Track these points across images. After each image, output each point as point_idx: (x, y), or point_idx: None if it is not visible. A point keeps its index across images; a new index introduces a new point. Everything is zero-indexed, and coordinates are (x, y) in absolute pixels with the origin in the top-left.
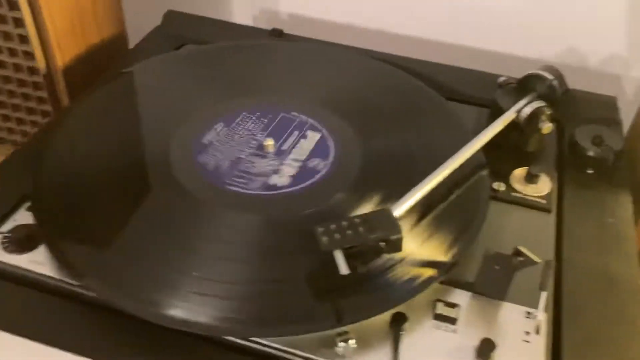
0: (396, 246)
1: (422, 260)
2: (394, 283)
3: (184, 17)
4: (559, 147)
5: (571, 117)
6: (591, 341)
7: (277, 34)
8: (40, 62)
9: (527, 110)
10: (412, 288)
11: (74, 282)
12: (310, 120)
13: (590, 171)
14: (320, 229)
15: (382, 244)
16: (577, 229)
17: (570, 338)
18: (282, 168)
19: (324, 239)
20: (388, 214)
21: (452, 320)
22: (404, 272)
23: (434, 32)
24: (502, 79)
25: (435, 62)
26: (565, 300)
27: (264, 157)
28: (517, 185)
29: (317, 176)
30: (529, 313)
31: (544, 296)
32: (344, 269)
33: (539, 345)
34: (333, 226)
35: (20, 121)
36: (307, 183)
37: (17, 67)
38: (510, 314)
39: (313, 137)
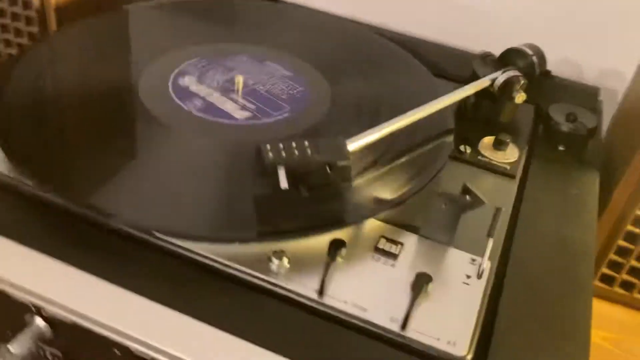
0: (343, 174)
1: (369, 193)
2: (336, 208)
3: None
4: (534, 126)
5: (550, 100)
6: (532, 293)
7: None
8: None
9: (502, 79)
10: (354, 215)
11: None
12: (285, 71)
13: (561, 148)
14: (267, 145)
15: (329, 169)
16: (539, 196)
17: (512, 288)
18: (246, 104)
19: (270, 154)
20: (340, 143)
21: (392, 256)
22: (348, 199)
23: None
24: (482, 51)
25: (421, 38)
26: (514, 253)
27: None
28: (485, 151)
29: (281, 115)
30: (473, 260)
31: (490, 243)
32: (283, 183)
33: (478, 289)
34: (281, 145)
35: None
36: (270, 120)
37: (12, 1)
38: (455, 259)
39: (284, 83)
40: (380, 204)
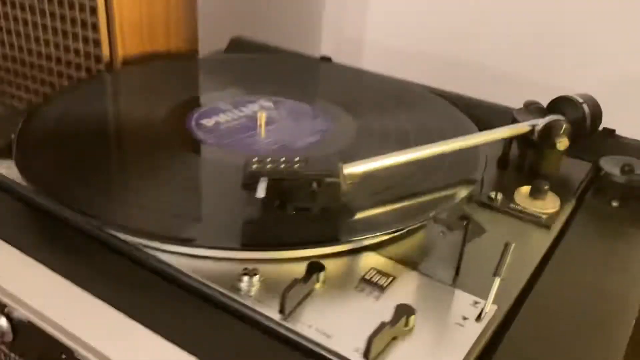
0: (331, 192)
1: (359, 217)
2: (317, 227)
3: (248, 44)
4: (588, 184)
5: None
6: (543, 342)
7: (326, 59)
8: (105, 51)
9: (542, 124)
10: (333, 236)
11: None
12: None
13: (615, 204)
14: (254, 159)
15: (316, 186)
16: (577, 247)
17: (517, 335)
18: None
19: (253, 166)
20: (331, 161)
21: (379, 288)
22: (333, 220)
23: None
24: (528, 101)
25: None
26: (531, 299)
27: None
28: (519, 200)
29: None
30: (476, 302)
31: (496, 283)
32: (260, 193)
33: (472, 332)
34: (269, 159)
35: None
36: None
37: (86, 54)
38: (454, 299)
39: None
40: (368, 230)
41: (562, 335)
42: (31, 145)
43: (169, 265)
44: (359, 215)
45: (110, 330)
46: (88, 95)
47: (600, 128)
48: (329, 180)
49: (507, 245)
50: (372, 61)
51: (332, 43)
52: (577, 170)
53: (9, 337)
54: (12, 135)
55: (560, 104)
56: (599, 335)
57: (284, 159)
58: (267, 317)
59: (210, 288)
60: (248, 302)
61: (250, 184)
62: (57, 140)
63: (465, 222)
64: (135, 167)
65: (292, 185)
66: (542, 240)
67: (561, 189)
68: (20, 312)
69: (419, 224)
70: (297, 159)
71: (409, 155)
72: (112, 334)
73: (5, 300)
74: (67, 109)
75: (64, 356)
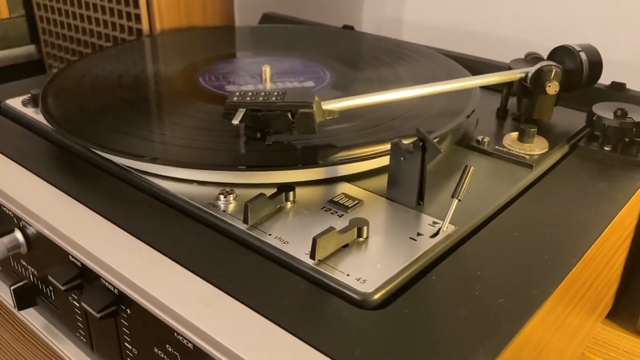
0: (306, 123)
1: (332, 145)
2: (290, 152)
3: (278, 19)
4: (581, 130)
5: None
6: (481, 270)
7: (348, 28)
8: (144, 26)
9: (534, 70)
10: (302, 159)
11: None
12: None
13: (607, 148)
14: (237, 93)
15: (291, 116)
16: (556, 185)
17: (460, 257)
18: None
19: (235, 98)
20: (307, 93)
21: (343, 208)
22: (306, 147)
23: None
24: (529, 52)
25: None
26: (490, 227)
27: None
28: (507, 142)
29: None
30: (435, 222)
31: (454, 203)
32: (235, 120)
33: (422, 245)
34: (250, 92)
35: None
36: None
37: (129, 29)
38: (414, 219)
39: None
40: (337, 154)
41: (509, 258)
42: (55, 94)
43: (160, 187)
44: (333, 144)
45: (112, 241)
46: (114, 55)
47: (610, 82)
48: (302, 111)
49: (465, 168)
50: (411, 39)
51: (373, 23)
52: (577, 120)
53: (24, 249)
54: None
55: (558, 53)
56: (546, 260)
57: (263, 93)
58: (232, 226)
59: (192, 205)
60: (223, 217)
61: (229, 114)
62: (81, 89)
63: (421, 144)
64: (140, 107)
65: (268, 116)
66: (521, 178)
67: (555, 135)
68: (35, 227)
69: (384, 152)
70: (275, 92)
71: (391, 95)
72: (114, 244)
73: (19, 213)
74: (91, 66)
75: (72, 258)
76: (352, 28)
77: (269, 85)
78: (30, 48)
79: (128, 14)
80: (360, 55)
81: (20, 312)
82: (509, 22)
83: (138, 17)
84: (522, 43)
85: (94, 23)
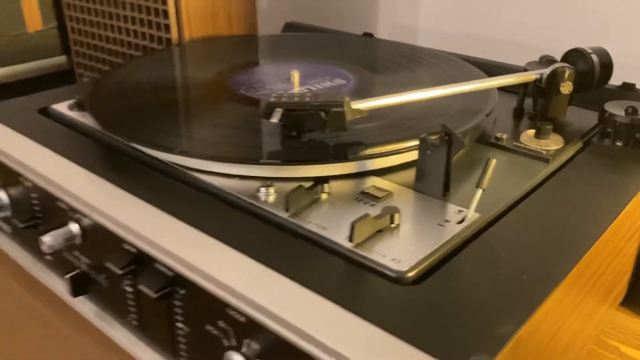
0: (338, 121)
1: (362, 142)
2: (324, 148)
3: (300, 28)
4: (594, 127)
5: None
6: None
7: (368, 35)
8: (173, 35)
9: (548, 71)
10: (337, 154)
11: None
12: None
13: (619, 143)
14: (273, 95)
15: (324, 114)
16: (570, 177)
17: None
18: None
19: (272, 99)
20: (342, 96)
21: (375, 199)
22: (339, 143)
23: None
24: (543, 55)
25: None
26: (510, 215)
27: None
28: (524, 139)
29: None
30: (461, 211)
31: (478, 193)
32: (274, 119)
33: (450, 230)
34: (285, 94)
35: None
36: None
37: (158, 39)
38: (440, 208)
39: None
40: (367, 150)
41: (530, 241)
42: (102, 98)
43: (203, 181)
44: (363, 141)
45: (166, 228)
46: (150, 62)
47: (621, 83)
48: (335, 109)
49: (488, 160)
50: (426, 44)
51: (388, 30)
52: (589, 118)
53: (79, 240)
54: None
55: (571, 56)
56: (564, 243)
57: (298, 94)
58: (274, 214)
59: (236, 196)
60: (265, 207)
61: (268, 114)
62: (123, 93)
63: (447, 138)
64: (181, 109)
65: (303, 115)
66: (539, 171)
67: (569, 132)
68: (92, 218)
69: (411, 147)
70: (308, 94)
71: (415, 95)
72: (168, 230)
73: (75, 204)
74: (130, 72)
75: (126, 246)
76: (371, 35)
77: (297, 89)
78: (61, 58)
79: (158, 24)
80: (382, 60)
81: (73, 300)
82: (520, 28)
83: (167, 27)
84: (532, 48)
85: (124, 33)
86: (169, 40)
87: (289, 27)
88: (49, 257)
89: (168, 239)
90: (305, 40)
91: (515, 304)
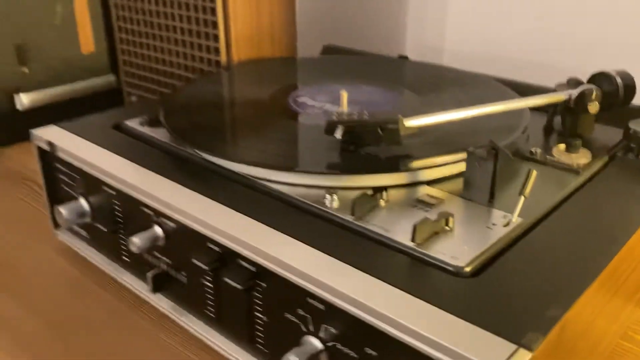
0: (393, 136)
1: (413, 155)
2: (381, 160)
3: (337, 50)
4: (618, 144)
5: None
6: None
7: (403, 57)
8: (223, 57)
9: (576, 92)
10: (392, 166)
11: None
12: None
13: None
14: (335, 114)
15: (380, 131)
16: (599, 188)
17: (532, 238)
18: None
19: (334, 117)
20: (396, 115)
21: (429, 205)
22: (393, 156)
23: None
24: (571, 77)
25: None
26: (549, 220)
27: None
28: (556, 153)
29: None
30: (505, 215)
31: (521, 200)
32: (338, 135)
33: (498, 232)
34: (345, 114)
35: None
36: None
37: (208, 61)
38: (487, 213)
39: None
40: (419, 162)
41: (567, 242)
42: (174, 115)
43: (272, 189)
44: (413, 154)
45: (248, 227)
46: (212, 82)
47: None
48: (390, 126)
49: (529, 171)
50: (450, 64)
51: (415, 51)
52: (614, 135)
53: (162, 242)
54: (160, 111)
55: (597, 78)
56: (596, 244)
57: (356, 113)
58: (341, 218)
59: (305, 202)
60: (330, 211)
61: (331, 130)
62: (192, 110)
63: (494, 151)
64: (247, 125)
65: (362, 131)
66: (570, 182)
67: (596, 147)
68: (179, 221)
69: (458, 159)
70: (365, 113)
71: (459, 114)
72: (250, 229)
73: (162, 209)
74: (197, 90)
75: (210, 245)
76: (406, 58)
77: (346, 108)
78: (109, 77)
79: (208, 47)
80: (420, 81)
81: (150, 296)
82: (543, 48)
83: (217, 50)
84: (557, 69)
85: (174, 55)
86: (217, 62)
87: (327, 49)
88: (125, 259)
89: (253, 237)
90: (346, 62)
91: (559, 293)
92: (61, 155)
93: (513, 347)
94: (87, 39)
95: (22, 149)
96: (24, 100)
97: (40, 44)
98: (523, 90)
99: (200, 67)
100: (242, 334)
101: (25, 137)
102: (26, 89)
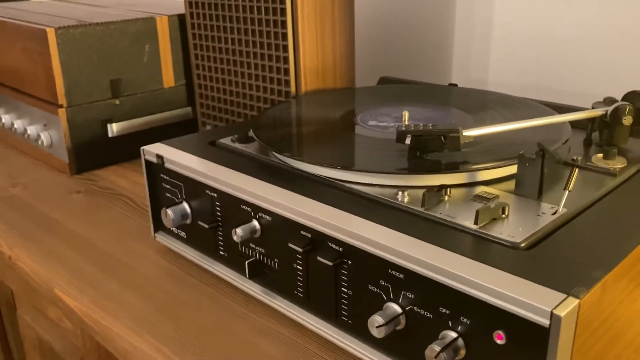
0: (455, 143)
1: (470, 160)
2: (443, 163)
3: (392, 81)
4: None
5: None
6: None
7: (453, 85)
8: (292, 89)
9: (612, 108)
10: (453, 168)
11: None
12: (441, 111)
13: None
14: (404, 125)
15: (443, 139)
16: (634, 188)
17: (575, 224)
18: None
19: (404, 128)
20: (456, 126)
21: (485, 199)
22: (454, 160)
23: None
24: (607, 97)
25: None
26: (590, 210)
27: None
28: (595, 160)
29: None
30: (553, 207)
31: (565, 194)
32: (407, 141)
33: (548, 218)
34: (412, 125)
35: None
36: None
37: (278, 92)
38: (537, 205)
39: (439, 118)
40: (475, 164)
41: (605, 228)
42: (262, 131)
43: (350, 188)
44: (470, 160)
45: (337, 216)
46: (287, 107)
47: None
48: (452, 135)
49: (572, 169)
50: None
51: (461, 83)
52: None
53: (259, 234)
54: (250, 131)
55: (630, 96)
56: (629, 230)
57: (422, 124)
58: (414, 209)
59: (381, 198)
60: (402, 203)
61: (401, 138)
62: (277, 127)
63: (542, 152)
64: (325, 138)
65: (427, 139)
66: (608, 182)
67: (630, 156)
68: (278, 213)
69: (511, 163)
70: (430, 124)
71: (509, 126)
72: (339, 217)
73: (261, 204)
74: (277, 114)
75: (302, 232)
76: (455, 85)
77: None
78: (187, 109)
79: (279, 80)
80: (471, 103)
81: (243, 283)
82: (581, 78)
83: (287, 82)
84: (588, 96)
85: (247, 88)
86: (287, 93)
87: (383, 80)
88: (222, 252)
89: (341, 220)
90: (402, 90)
91: (599, 262)
92: (168, 165)
93: (563, 295)
94: (168, 75)
95: (110, 171)
96: (114, 128)
97: (131, 80)
98: (564, 111)
99: (271, 97)
100: (329, 309)
101: (114, 161)
102: (117, 119)
